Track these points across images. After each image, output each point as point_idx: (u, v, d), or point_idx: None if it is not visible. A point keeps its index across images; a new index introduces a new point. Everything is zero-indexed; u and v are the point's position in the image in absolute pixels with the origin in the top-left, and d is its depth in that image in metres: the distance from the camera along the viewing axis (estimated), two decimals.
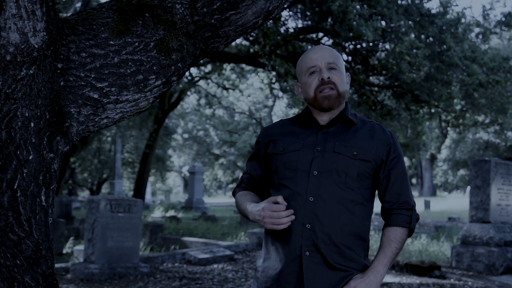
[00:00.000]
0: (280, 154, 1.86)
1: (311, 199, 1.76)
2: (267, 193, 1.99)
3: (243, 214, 1.91)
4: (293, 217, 1.73)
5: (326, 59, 1.84)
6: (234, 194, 2.03)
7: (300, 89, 1.95)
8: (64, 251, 9.12)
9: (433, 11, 11.18)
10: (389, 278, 6.53)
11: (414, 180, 45.64)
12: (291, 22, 36.64)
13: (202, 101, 24.75)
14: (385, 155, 1.84)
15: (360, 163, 1.79)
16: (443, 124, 33.74)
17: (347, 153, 1.79)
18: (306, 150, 1.82)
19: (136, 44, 1.67)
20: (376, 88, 12.13)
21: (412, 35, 10.66)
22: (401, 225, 1.81)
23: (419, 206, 21.64)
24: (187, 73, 11.93)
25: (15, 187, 1.52)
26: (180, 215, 17.19)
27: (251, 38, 10.89)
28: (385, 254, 1.79)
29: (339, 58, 1.90)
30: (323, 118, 1.88)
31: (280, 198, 1.74)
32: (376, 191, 1.92)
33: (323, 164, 1.78)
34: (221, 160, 42.15)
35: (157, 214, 17.33)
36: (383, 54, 10.96)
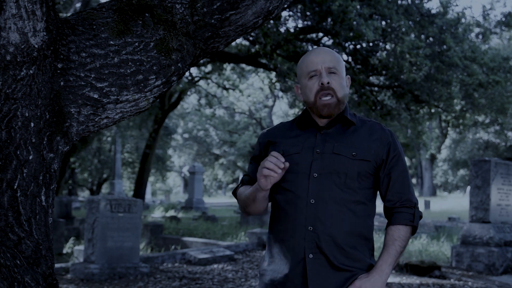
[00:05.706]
0: None
1: (312, 201, 1.76)
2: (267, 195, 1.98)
3: (247, 199, 1.88)
4: (287, 164, 1.72)
5: (326, 63, 1.84)
6: (234, 194, 2.01)
7: (299, 90, 1.93)
8: (64, 251, 9.12)
9: (433, 11, 11.18)
10: (389, 278, 6.53)
11: (414, 180, 45.61)
12: (291, 22, 36.59)
13: (202, 101, 24.72)
14: (385, 154, 1.84)
15: (360, 163, 1.79)
16: (443, 124, 33.74)
17: (347, 153, 1.79)
18: (306, 152, 1.82)
19: (136, 44, 1.67)
20: (376, 88, 12.12)
21: (412, 35, 10.66)
22: (404, 223, 1.82)
23: (419, 206, 21.55)
24: (187, 73, 11.93)
25: (15, 187, 1.52)
26: (180, 215, 17.18)
27: (251, 38, 10.89)
28: (390, 253, 1.79)
29: (339, 61, 1.89)
30: (322, 120, 1.88)
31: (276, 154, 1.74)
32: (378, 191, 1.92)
33: (322, 166, 1.79)
34: (221, 160, 42.15)
35: (157, 214, 17.33)
36: (383, 54, 10.96)
